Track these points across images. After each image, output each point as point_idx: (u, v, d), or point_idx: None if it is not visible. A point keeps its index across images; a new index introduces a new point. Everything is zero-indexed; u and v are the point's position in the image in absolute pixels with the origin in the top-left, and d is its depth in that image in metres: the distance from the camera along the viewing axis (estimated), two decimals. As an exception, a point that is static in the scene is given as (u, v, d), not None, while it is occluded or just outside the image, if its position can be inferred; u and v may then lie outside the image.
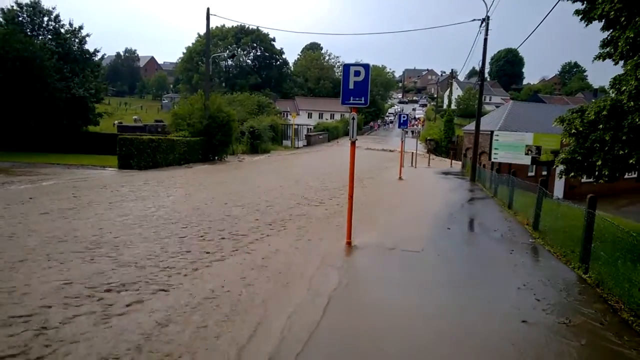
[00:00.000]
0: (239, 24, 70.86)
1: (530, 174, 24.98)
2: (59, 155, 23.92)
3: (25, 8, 29.46)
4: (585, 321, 4.77)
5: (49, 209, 9.47)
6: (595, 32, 9.17)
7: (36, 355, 3.59)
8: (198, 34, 73.08)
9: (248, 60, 74.85)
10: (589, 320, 4.78)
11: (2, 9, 28.93)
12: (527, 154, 20.97)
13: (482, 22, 20.41)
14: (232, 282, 5.51)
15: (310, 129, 50.52)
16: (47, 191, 12.08)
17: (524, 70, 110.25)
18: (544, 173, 23.86)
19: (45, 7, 29.94)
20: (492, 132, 23.93)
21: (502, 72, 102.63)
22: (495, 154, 22.12)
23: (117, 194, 12.08)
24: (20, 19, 29.24)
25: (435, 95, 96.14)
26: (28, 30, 29.15)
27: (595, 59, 9.08)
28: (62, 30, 30.32)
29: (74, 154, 25.08)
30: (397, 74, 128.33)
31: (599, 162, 8.12)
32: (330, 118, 67.49)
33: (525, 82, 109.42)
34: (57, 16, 30.19)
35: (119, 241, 7.10)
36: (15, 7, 29.16)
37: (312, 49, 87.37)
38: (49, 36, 30.01)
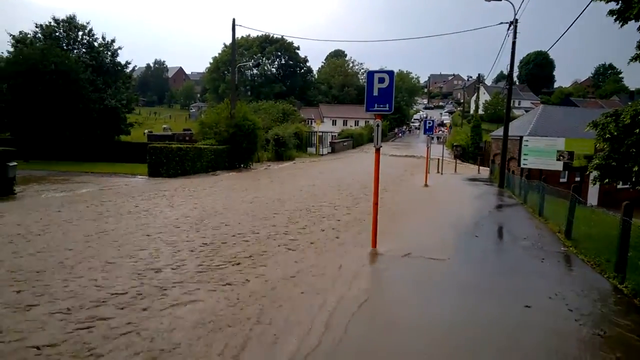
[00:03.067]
0: (263, 33, 71.97)
1: (562, 180, 24.23)
2: (92, 164, 24.85)
3: (61, 24, 30.92)
4: (620, 333, 4.57)
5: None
6: (631, 33, 8.88)
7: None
8: (224, 44, 74.85)
9: (273, 69, 75.94)
10: (624, 332, 4.58)
11: (41, 25, 30.47)
12: (558, 159, 20.43)
13: (510, 25, 20.03)
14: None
15: (335, 136, 50.61)
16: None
17: (555, 73, 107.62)
18: (577, 179, 23.11)
19: (80, 22, 31.39)
20: (521, 137, 23.42)
21: (532, 76, 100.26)
22: (524, 159, 21.65)
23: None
24: (57, 34, 30.73)
25: (462, 101, 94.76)
26: (64, 44, 30.60)
27: (631, 60, 8.80)
28: (96, 44, 31.77)
29: (106, 162, 25.99)
30: (422, 80, 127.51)
31: (636, 168, 7.82)
32: (355, 125, 67.41)
33: (556, 85, 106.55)
34: (91, 30, 31.69)
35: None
36: (52, 23, 30.67)
37: (336, 56, 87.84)
38: (84, 50, 31.45)
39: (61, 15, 31.20)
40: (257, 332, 4.33)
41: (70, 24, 31.10)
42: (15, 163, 13.60)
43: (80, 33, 31.51)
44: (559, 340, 4.44)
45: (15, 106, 25.44)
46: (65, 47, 30.25)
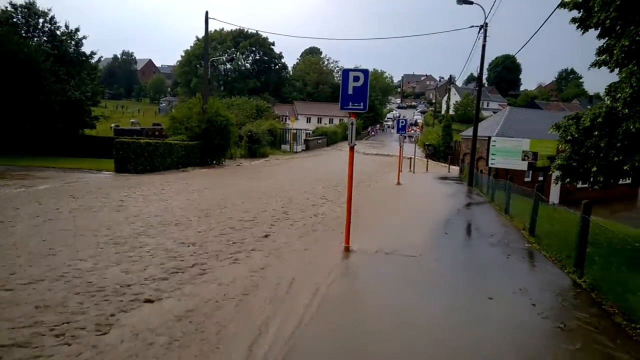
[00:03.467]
0: (238, 27, 70.98)
1: (526, 179, 25.14)
2: (55, 158, 23.64)
3: (19, 9, 28.99)
4: (579, 325, 4.81)
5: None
6: (592, 40, 9.30)
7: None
8: (197, 37, 73.43)
9: (247, 64, 75.11)
10: (583, 325, 4.82)
11: None
12: (523, 159, 21.15)
13: (480, 29, 20.56)
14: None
15: (309, 133, 50.63)
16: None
17: (521, 76, 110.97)
18: (540, 178, 24.00)
19: (40, 9, 29.59)
20: (489, 137, 24.13)
21: (500, 78, 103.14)
22: (492, 159, 22.30)
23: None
24: (14, 20, 28.75)
25: (434, 101, 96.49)
26: (23, 31, 28.68)
27: (591, 66, 9.20)
28: (58, 32, 30.01)
29: (70, 157, 24.82)
30: (396, 79, 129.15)
31: (594, 169, 8.22)
32: (329, 123, 67.63)
33: (522, 88, 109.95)
34: (53, 18, 29.81)
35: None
36: (9, 9, 28.75)
37: (312, 54, 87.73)
38: (45, 38, 29.67)
39: (19, 0, 29.43)
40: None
41: (30, 10, 29.18)
42: None
43: (41, 20, 29.60)
44: (523, 333, 4.65)
45: (-33, 96, 23.85)
46: (24, 35, 28.45)
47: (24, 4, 29.26)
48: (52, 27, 30.05)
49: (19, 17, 29.17)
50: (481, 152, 25.92)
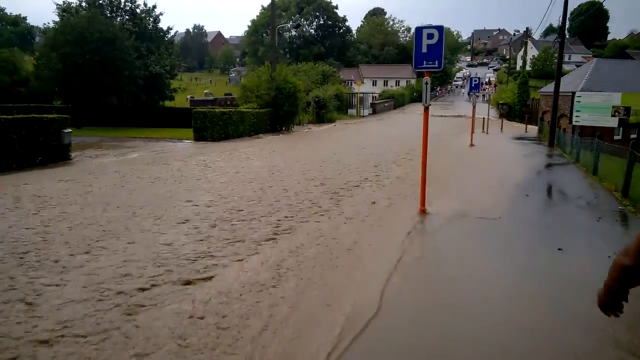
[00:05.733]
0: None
1: (616, 137, 22.95)
2: (139, 129, 25.46)
3: None
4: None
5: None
6: None
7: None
8: (262, 6, 73.83)
9: (311, 30, 74.39)
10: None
11: None
12: (613, 115, 19.31)
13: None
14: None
15: (375, 97, 49.66)
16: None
17: (608, 24, 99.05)
18: (633, 136, 21.82)
19: None
20: (573, 93, 22.23)
21: (583, 28, 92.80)
22: (577, 116, 20.63)
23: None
24: (100, 1, 31.04)
25: (508, 57, 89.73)
26: (108, 12, 30.94)
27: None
28: (138, 10, 31.93)
29: (152, 127, 26.58)
30: (465, 36, 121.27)
31: None
32: (396, 85, 65.78)
33: (610, 37, 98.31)
34: None
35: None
36: None
37: (375, 15, 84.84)
38: (127, 17, 31.73)
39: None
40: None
41: (113, -10, 31.41)
42: (70, 130, 13.89)
43: (122, 0, 31.90)
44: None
45: (65, 74, 26.17)
46: (108, 15, 30.64)
47: None
48: (133, 6, 31.94)
49: None
50: (563, 110, 23.99)
